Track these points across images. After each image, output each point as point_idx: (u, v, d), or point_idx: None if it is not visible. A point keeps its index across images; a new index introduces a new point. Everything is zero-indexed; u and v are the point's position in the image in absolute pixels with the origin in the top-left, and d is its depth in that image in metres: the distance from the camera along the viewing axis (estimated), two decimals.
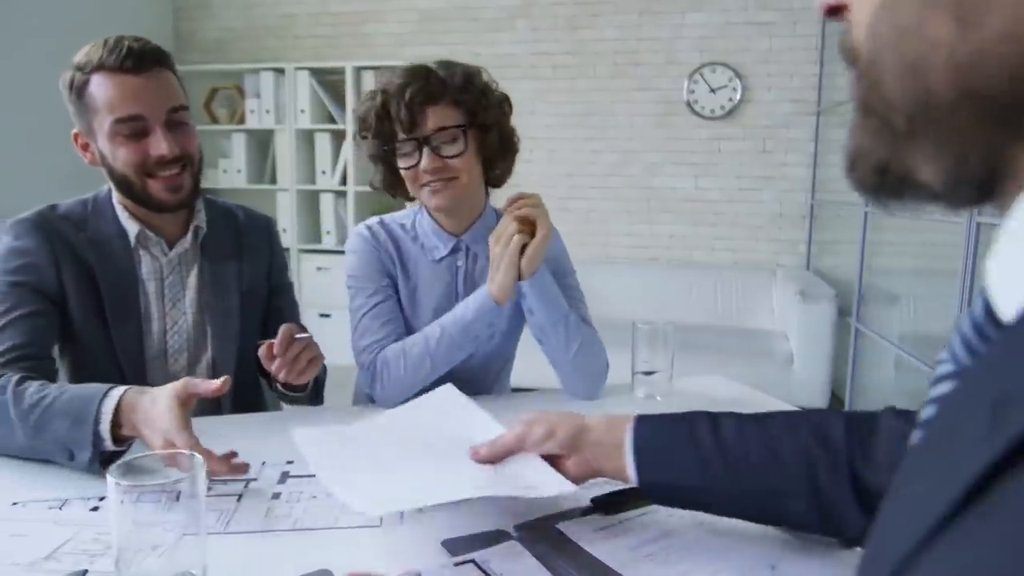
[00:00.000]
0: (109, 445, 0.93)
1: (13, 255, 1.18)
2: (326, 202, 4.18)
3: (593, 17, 4.07)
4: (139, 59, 1.13)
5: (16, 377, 1.02)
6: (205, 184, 3.94)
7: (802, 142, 3.90)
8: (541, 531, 0.81)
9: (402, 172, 1.30)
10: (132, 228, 1.24)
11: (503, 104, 1.31)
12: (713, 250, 4.09)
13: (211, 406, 1.33)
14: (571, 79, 4.11)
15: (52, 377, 1.12)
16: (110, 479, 0.59)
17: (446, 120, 1.23)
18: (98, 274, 1.20)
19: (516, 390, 1.51)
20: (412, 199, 1.36)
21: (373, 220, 1.41)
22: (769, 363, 3.27)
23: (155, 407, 0.93)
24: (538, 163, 4.13)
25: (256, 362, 1.43)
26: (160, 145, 1.15)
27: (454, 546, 0.78)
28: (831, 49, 3.78)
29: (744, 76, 3.91)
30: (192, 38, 4.52)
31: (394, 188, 1.35)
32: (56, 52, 3.79)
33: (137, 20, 4.23)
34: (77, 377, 1.24)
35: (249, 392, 1.39)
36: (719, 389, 1.41)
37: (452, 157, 1.25)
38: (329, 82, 4.20)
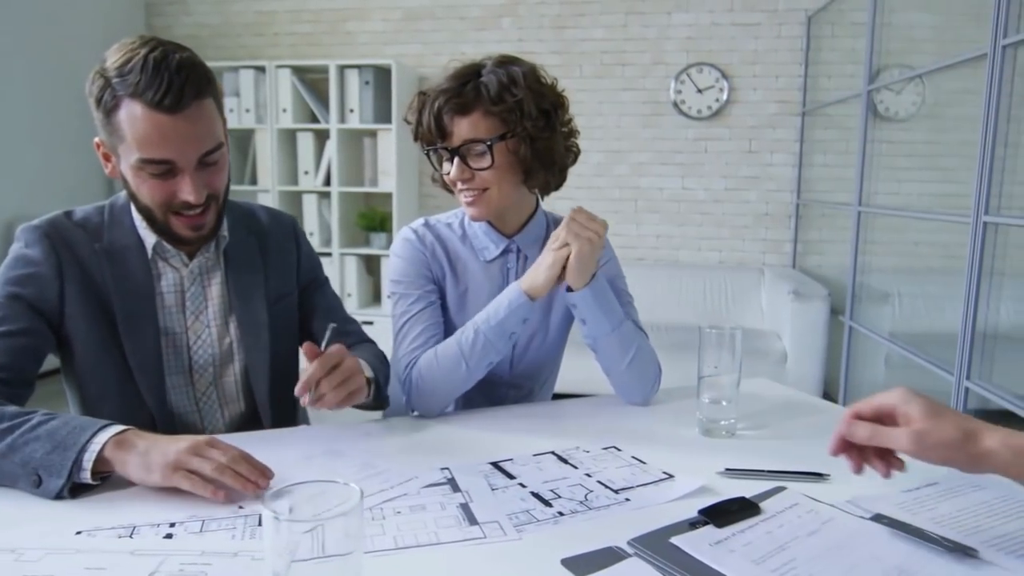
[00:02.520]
0: (87, 477, 0.88)
1: (18, 263, 1.11)
2: (309, 203, 4.08)
3: (579, 16, 4.05)
4: (179, 97, 1.01)
5: None
6: None
7: (787, 142, 3.94)
8: (658, 547, 0.77)
9: (444, 176, 1.28)
10: (150, 239, 1.16)
11: (550, 114, 1.23)
12: (699, 250, 4.10)
13: (250, 421, 1.26)
14: (558, 79, 4.07)
15: (22, 404, 1.05)
16: (267, 512, 0.53)
17: (475, 132, 1.20)
18: (111, 289, 1.13)
19: (557, 396, 1.46)
20: None
21: (419, 223, 1.37)
22: (763, 362, 3.28)
23: (163, 439, 0.92)
24: None
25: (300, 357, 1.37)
26: (188, 191, 1.07)
27: (577, 565, 0.74)
28: (815, 51, 3.82)
29: (730, 77, 3.93)
30: (166, 34, 4.35)
31: (446, 188, 1.32)
32: (24, 47, 3.62)
33: (108, 15, 4.08)
34: (86, 399, 1.17)
35: (286, 404, 1.32)
36: (767, 391, 1.39)
37: (480, 170, 1.22)
38: (311, 80, 4.10)
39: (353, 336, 1.35)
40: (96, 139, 1.10)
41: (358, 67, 3.93)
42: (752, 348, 3.37)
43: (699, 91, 3.96)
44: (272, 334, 1.26)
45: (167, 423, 1.17)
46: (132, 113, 1.01)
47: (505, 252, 1.34)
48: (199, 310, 1.21)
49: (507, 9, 4.10)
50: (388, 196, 4.03)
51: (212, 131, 1.08)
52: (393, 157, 3.94)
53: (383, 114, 3.97)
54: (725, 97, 3.94)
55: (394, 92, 3.87)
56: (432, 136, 1.22)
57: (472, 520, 0.85)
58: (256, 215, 1.32)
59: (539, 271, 1.20)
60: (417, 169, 4.23)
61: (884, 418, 0.81)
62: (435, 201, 4.24)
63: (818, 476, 0.96)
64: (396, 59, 3.94)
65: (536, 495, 0.91)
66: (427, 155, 1.28)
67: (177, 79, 1.01)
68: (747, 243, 4.06)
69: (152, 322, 1.16)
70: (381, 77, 3.96)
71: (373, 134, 4.04)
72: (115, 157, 1.09)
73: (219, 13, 4.33)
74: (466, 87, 1.19)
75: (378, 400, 1.20)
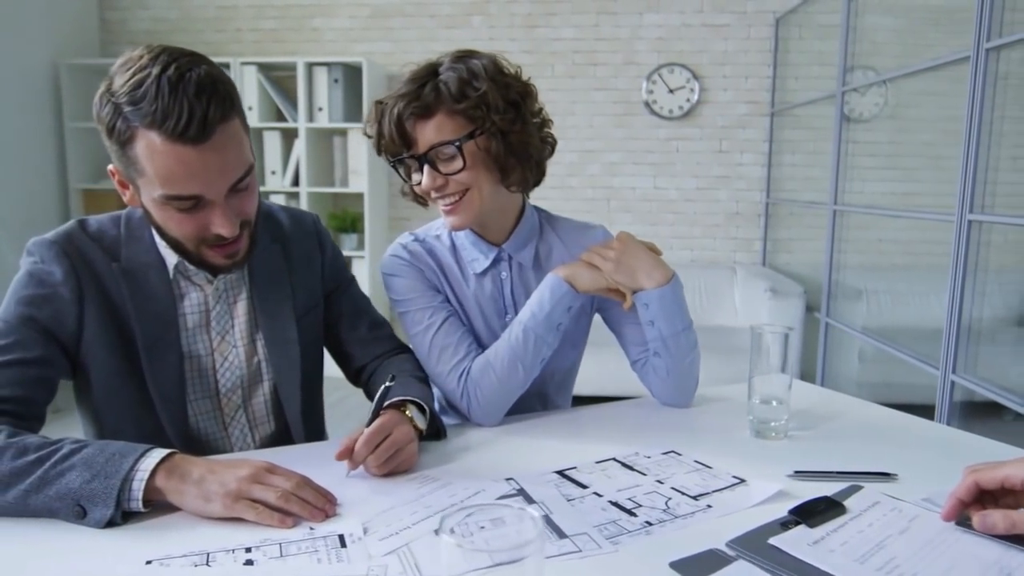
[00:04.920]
0: (138, 506, 0.83)
1: (32, 281, 1.01)
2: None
3: (550, 16, 4.04)
4: (203, 125, 0.89)
5: (6, 430, 0.88)
6: None
7: (756, 142, 4.01)
8: (759, 549, 0.76)
9: (415, 188, 1.21)
10: (171, 257, 1.07)
11: (518, 105, 1.16)
12: (672, 248, 4.14)
13: (279, 439, 1.20)
14: (521, 67, 4.05)
15: None
16: (446, 539, 0.50)
17: (441, 135, 1.12)
18: (131, 312, 1.04)
19: (578, 399, 1.44)
20: None
21: (407, 238, 1.30)
22: (741, 358, 3.32)
23: (218, 466, 0.87)
24: None
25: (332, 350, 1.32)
26: (220, 224, 0.97)
27: (687, 568, 0.72)
28: (783, 52, 3.90)
29: (701, 77, 3.98)
30: (120, 29, 4.19)
31: (422, 198, 1.24)
32: None
33: (59, 7, 3.88)
34: (104, 429, 1.09)
35: (316, 417, 1.27)
36: (798, 391, 1.40)
37: (453, 174, 1.14)
38: (277, 78, 3.99)
39: (386, 342, 1.30)
40: (110, 167, 1.00)
41: (327, 65, 3.84)
42: (729, 345, 3.42)
43: (670, 91, 3.99)
44: (302, 349, 1.19)
45: (188, 451, 1.09)
46: (151, 145, 0.90)
47: (496, 262, 1.29)
48: (225, 330, 1.13)
49: (478, 7, 4.06)
50: (359, 196, 3.94)
51: (241, 156, 0.97)
52: (364, 157, 3.86)
53: (353, 113, 3.89)
54: (696, 97, 3.98)
55: (365, 90, 3.79)
56: (396, 146, 1.15)
57: (560, 533, 0.82)
58: (276, 217, 1.24)
59: (582, 268, 1.20)
60: (387, 169, 4.15)
61: (1008, 491, 0.79)
62: (407, 200, 4.17)
63: (886, 476, 0.96)
64: (366, 57, 3.87)
65: (616, 504, 0.89)
66: (394, 167, 1.20)
67: (199, 104, 0.89)
68: (718, 241, 4.12)
69: (175, 347, 1.08)
70: (351, 75, 3.88)
71: (343, 133, 3.95)
72: (133, 187, 0.99)
73: (178, 7, 4.17)
74: (424, 89, 1.11)
75: (433, 433, 1.11)
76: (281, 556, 0.76)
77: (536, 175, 1.25)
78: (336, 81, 3.85)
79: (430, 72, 1.14)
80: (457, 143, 1.12)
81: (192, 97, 0.89)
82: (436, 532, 0.82)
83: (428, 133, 1.12)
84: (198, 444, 1.12)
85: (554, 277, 1.21)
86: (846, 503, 0.87)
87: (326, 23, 4.13)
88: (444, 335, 1.23)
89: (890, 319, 3.63)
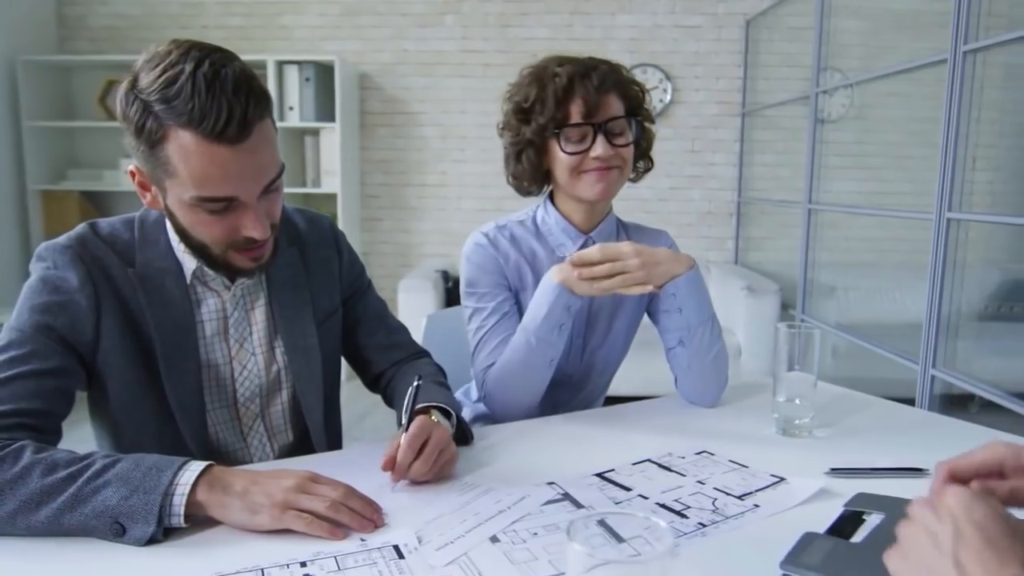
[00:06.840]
0: (179, 521, 0.79)
1: (46, 288, 0.96)
2: None
3: (523, 16, 4.03)
4: (242, 126, 0.86)
5: (32, 445, 0.83)
6: (104, 188, 3.69)
7: (728, 142, 4.07)
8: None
9: (565, 157, 1.23)
10: (189, 263, 1.03)
11: (649, 107, 1.33)
12: None
13: (297, 449, 1.17)
14: (502, 78, 4.01)
15: None
16: (576, 548, 0.48)
17: (619, 110, 1.23)
18: (149, 320, 1.00)
19: (611, 399, 1.44)
20: (533, 194, 1.34)
21: (490, 226, 1.34)
22: None
23: (260, 476, 0.84)
24: (471, 163, 4.04)
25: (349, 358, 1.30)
26: (252, 226, 0.94)
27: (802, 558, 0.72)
28: (754, 54, 3.96)
29: (673, 78, 4.02)
30: (79, 24, 4.05)
31: (534, 181, 1.30)
32: None
33: (15, 2, 3.73)
34: (121, 442, 1.04)
35: (335, 427, 1.24)
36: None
37: (623, 146, 1.24)
38: None
39: (405, 348, 1.27)
40: (131, 167, 0.95)
41: (298, 63, 3.77)
42: None
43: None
44: (322, 356, 1.16)
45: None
46: (184, 145, 0.86)
47: (583, 247, 1.32)
48: (243, 337, 1.09)
49: (450, 6, 4.03)
50: (332, 197, 3.88)
51: (274, 156, 0.94)
52: (337, 156, 3.80)
53: (326, 112, 3.82)
54: (669, 98, 4.02)
55: (337, 89, 3.73)
56: (583, 113, 1.20)
57: (618, 538, 0.81)
58: (292, 220, 1.19)
59: (575, 277, 1.18)
60: (360, 169, 4.10)
61: (989, 475, 0.72)
62: (379, 202, 4.13)
63: (919, 471, 0.98)
64: (338, 55, 3.80)
65: (664, 507, 0.89)
66: (543, 139, 1.25)
67: (237, 103, 0.85)
68: (691, 240, 4.16)
69: (194, 356, 1.04)
70: (322, 73, 3.81)
71: (315, 133, 3.88)
72: (156, 188, 0.94)
73: (141, 3, 4.05)
74: (601, 68, 1.23)
75: (460, 438, 1.09)
76: (339, 569, 0.74)
77: (649, 169, 1.39)
78: (307, 80, 3.78)
79: (588, 59, 1.25)
80: (638, 119, 1.26)
81: (230, 95, 0.85)
82: (492, 540, 0.81)
83: (608, 107, 1.23)
84: (217, 455, 1.08)
85: (550, 283, 1.20)
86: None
87: (295, 21, 4.06)
88: (491, 335, 1.27)
89: (861, 315, 3.72)
